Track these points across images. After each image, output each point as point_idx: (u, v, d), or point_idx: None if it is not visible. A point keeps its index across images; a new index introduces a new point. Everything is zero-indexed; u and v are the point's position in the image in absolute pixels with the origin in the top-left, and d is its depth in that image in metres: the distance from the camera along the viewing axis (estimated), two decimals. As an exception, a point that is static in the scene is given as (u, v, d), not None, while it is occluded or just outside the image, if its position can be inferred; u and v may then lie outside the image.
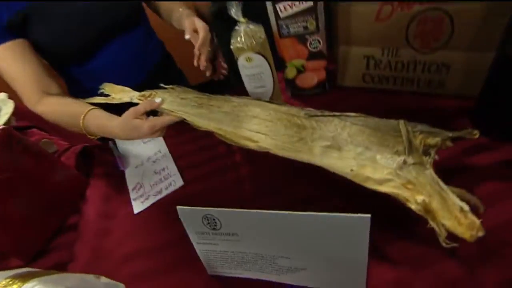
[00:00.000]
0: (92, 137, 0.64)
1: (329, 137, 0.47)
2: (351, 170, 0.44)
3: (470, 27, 0.51)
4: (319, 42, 0.59)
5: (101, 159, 0.72)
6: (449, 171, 0.49)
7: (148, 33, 0.82)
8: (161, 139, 0.71)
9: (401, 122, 0.47)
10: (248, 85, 0.62)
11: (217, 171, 0.61)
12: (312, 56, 0.61)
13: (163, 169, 0.64)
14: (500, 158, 0.49)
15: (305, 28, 0.57)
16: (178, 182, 0.61)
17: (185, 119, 0.53)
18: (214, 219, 0.38)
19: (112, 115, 0.58)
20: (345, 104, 0.65)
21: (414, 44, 0.56)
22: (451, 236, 0.38)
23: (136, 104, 0.57)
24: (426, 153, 0.44)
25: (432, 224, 0.39)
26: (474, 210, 0.39)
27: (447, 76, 0.57)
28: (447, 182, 0.48)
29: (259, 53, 0.56)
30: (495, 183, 0.46)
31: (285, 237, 0.37)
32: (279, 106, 0.52)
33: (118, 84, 0.69)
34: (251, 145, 0.49)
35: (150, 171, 0.65)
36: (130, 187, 0.64)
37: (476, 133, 0.43)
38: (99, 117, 0.59)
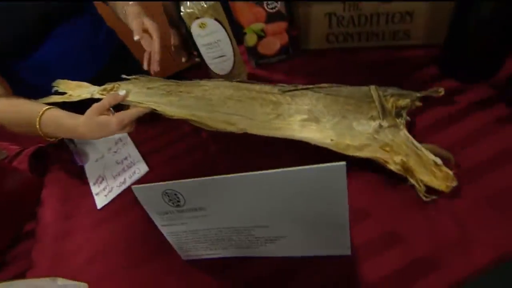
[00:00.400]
0: (51, 139, 0.57)
1: (305, 110, 0.47)
2: (331, 140, 0.44)
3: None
4: (277, 1, 0.55)
5: (56, 158, 0.66)
6: (424, 118, 0.48)
7: (96, 22, 0.75)
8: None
9: (372, 87, 0.47)
10: (206, 56, 0.57)
11: (183, 153, 0.57)
12: (271, 18, 0.57)
13: (126, 158, 0.59)
14: (470, 100, 0.47)
15: (260, -14, 0.53)
16: (143, 168, 0.56)
17: (154, 109, 0.50)
18: (175, 194, 0.34)
19: (74, 114, 0.53)
20: (312, 68, 0.62)
21: (374, -6, 0.54)
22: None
23: (97, 100, 0.52)
24: (398, 114, 0.45)
25: (412, 181, 0.40)
26: (446, 162, 0.40)
27: (412, 24, 0.55)
28: (422, 129, 0.47)
29: (212, 17, 0.52)
30: (467, 124, 0.45)
31: (257, 203, 0.33)
32: (251, 85, 0.51)
33: (68, 77, 0.62)
34: (230, 128, 0.47)
35: (112, 162, 0.60)
36: (91, 182, 0.58)
37: (441, 90, 0.45)
38: (59, 117, 0.53)
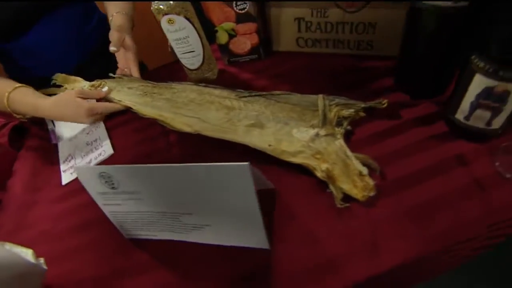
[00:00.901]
0: (19, 116, 0.61)
1: (253, 116, 0.50)
2: (269, 145, 0.47)
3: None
4: (246, 3, 0.57)
5: (34, 134, 0.70)
6: (366, 128, 0.50)
7: (88, 9, 0.78)
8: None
9: (320, 96, 0.50)
10: (177, 50, 0.60)
11: (147, 140, 0.60)
12: (241, 18, 0.60)
13: (95, 140, 0.63)
14: (413, 116, 0.49)
15: (228, -13, 0.55)
16: (108, 151, 0.60)
17: (131, 108, 0.56)
18: (110, 177, 0.37)
19: (45, 95, 0.57)
20: (280, 70, 0.64)
21: (340, 3, 0.55)
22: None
23: None
24: (339, 124, 0.48)
25: (331, 188, 0.42)
26: (372, 173, 0.43)
27: (374, 36, 0.57)
28: (362, 139, 0.49)
29: (180, 14, 0.54)
30: (404, 139, 0.47)
31: (181, 192, 0.37)
32: (213, 90, 0.55)
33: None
34: (187, 129, 0.51)
35: (83, 142, 0.64)
36: (61, 159, 0.62)
37: (385, 103, 0.48)
38: (28, 95, 0.57)
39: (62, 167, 0.61)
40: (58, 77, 0.65)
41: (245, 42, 0.64)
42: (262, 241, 0.40)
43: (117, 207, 0.41)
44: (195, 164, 0.33)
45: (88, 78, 0.65)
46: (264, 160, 0.47)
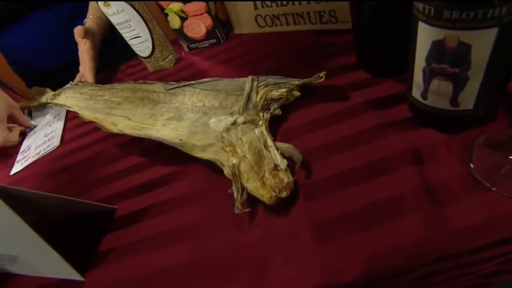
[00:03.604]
0: None
1: (173, 108, 0.44)
2: (180, 140, 0.39)
3: None
4: (188, -22, 0.51)
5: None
6: (306, 113, 0.39)
7: (78, 10, 0.77)
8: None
9: (249, 78, 0.42)
10: (124, 36, 0.56)
11: (95, 130, 0.57)
12: (187, -3, 0.53)
13: (52, 132, 0.62)
14: (369, 97, 0.37)
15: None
16: (55, 143, 0.58)
17: (77, 112, 0.54)
18: None
19: None
20: (238, 54, 0.56)
21: (289, -34, 0.45)
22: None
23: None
24: (266, 108, 0.39)
25: (233, 188, 0.32)
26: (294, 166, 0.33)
27: (335, 4, 0.45)
28: (296, 126, 0.39)
29: (115, -5, 0.50)
30: (351, 125, 0.35)
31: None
32: (146, 85, 0.50)
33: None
34: (114, 129, 0.46)
35: (42, 134, 0.63)
36: (21, 150, 0.63)
37: (322, 77, 0.38)
38: None
39: (18, 157, 0.61)
40: (33, 90, 0.68)
41: (198, 25, 0.57)
42: (72, 274, 0.32)
43: None
44: None
45: (71, 78, 0.68)
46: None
